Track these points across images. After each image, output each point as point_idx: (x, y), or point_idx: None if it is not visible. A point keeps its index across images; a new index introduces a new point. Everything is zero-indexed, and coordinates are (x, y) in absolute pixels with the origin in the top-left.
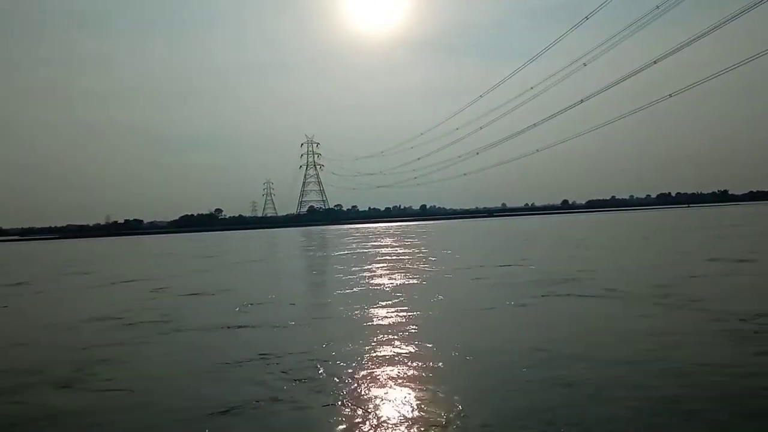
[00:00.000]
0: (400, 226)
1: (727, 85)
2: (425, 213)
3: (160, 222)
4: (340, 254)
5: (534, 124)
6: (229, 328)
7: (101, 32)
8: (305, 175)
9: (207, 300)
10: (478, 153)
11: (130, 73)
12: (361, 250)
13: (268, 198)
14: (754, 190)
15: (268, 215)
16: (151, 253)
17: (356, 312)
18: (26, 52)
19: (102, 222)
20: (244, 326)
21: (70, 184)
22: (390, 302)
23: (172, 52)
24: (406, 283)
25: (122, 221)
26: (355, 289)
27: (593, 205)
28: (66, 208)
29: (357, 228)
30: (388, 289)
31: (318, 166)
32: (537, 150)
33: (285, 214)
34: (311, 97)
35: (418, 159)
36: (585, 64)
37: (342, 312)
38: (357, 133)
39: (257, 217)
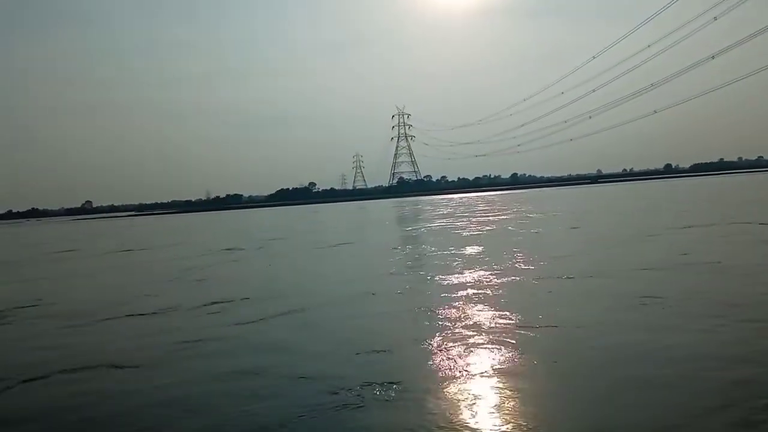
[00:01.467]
0: (494, 195)
1: None
2: (517, 182)
3: (257, 196)
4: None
5: (652, 85)
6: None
7: (183, 20)
8: (397, 147)
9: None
10: (591, 117)
11: (209, 58)
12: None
13: (358, 171)
14: None
15: (358, 187)
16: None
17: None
18: (117, 43)
19: (203, 197)
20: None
21: (173, 163)
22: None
23: (251, 35)
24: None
25: (223, 196)
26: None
27: (698, 169)
28: (170, 186)
29: (450, 198)
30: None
31: (409, 137)
32: (655, 111)
33: (375, 186)
34: (394, 70)
35: (522, 125)
36: (716, 18)
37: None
38: (447, 103)
39: (348, 190)
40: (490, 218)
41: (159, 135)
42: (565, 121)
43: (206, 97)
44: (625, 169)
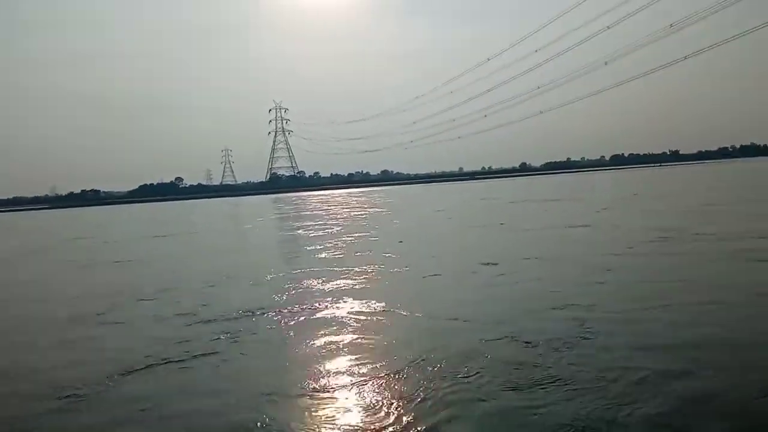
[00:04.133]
0: (362, 191)
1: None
2: (386, 178)
3: (117, 192)
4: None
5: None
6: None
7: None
8: (274, 142)
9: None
10: (485, 115)
11: (48, 38)
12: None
13: (227, 165)
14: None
15: (226, 183)
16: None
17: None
18: None
19: (48, 194)
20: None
21: (11, 156)
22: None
23: (97, 16)
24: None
25: (77, 192)
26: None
27: (550, 168)
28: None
29: (312, 195)
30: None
31: (287, 132)
32: (540, 112)
33: (245, 181)
34: (272, 63)
35: (414, 123)
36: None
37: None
38: (328, 100)
39: (216, 185)
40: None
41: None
42: (453, 120)
43: (47, 83)
44: (483, 167)
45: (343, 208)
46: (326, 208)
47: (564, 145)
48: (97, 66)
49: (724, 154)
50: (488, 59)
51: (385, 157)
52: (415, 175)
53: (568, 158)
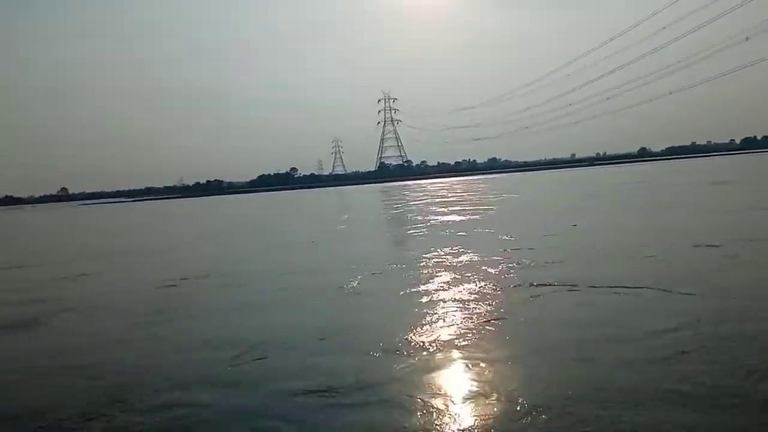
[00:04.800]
0: (465, 179)
1: None
2: (494, 166)
3: (237, 182)
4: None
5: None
6: None
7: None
8: (383, 132)
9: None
10: (608, 98)
11: (180, 38)
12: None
13: (337, 156)
14: None
15: (336, 173)
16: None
17: None
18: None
19: (177, 184)
20: None
21: (143, 149)
22: None
23: (225, 15)
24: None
25: (203, 182)
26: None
27: (672, 152)
28: (140, 173)
29: (419, 184)
30: None
31: (396, 122)
32: (670, 93)
33: (353, 171)
34: (379, 55)
35: (527, 108)
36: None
37: None
38: (437, 89)
39: (326, 175)
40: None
41: (126, 119)
42: (570, 104)
43: (177, 79)
44: (598, 153)
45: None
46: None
47: (686, 128)
48: (220, 62)
49: None
50: (611, 39)
51: (494, 145)
52: (524, 162)
53: (693, 142)
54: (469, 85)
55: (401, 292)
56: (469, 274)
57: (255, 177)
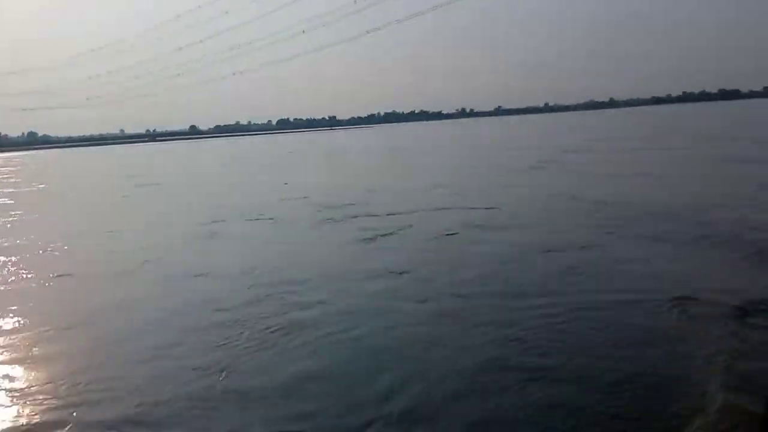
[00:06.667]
0: None
1: None
2: (32, 141)
3: None
4: None
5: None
6: None
7: None
8: None
9: None
10: (179, 74)
11: None
12: None
13: None
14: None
15: None
16: None
17: None
18: None
19: None
20: None
21: None
22: None
23: None
24: None
25: None
26: None
27: (219, 131)
28: None
29: None
30: None
31: None
32: (233, 74)
33: None
34: None
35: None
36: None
37: None
38: None
39: None
40: None
41: None
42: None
43: None
44: (148, 130)
45: None
46: None
47: (234, 109)
48: None
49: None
50: (178, 16)
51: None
52: (68, 138)
53: (237, 122)
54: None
55: None
56: None
57: None
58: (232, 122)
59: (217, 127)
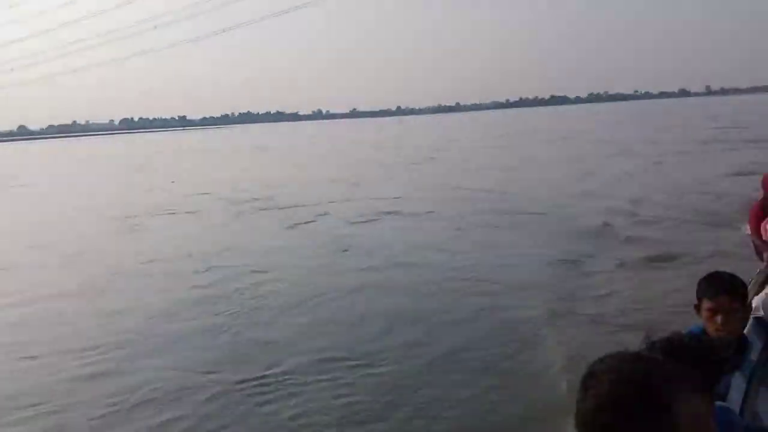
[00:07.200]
0: None
1: None
2: None
3: None
4: None
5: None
6: None
7: None
8: None
9: None
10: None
11: None
12: None
13: None
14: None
15: None
16: None
17: None
18: None
19: None
20: None
21: None
22: None
23: None
24: None
25: None
26: None
27: (55, 131)
28: None
29: None
30: None
31: None
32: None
33: None
34: None
35: None
36: None
37: None
38: None
39: None
40: None
41: None
42: None
43: None
44: None
45: None
46: None
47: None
48: None
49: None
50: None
51: None
52: None
53: (74, 121)
54: None
55: None
56: None
57: None
58: (69, 122)
59: (51, 126)
